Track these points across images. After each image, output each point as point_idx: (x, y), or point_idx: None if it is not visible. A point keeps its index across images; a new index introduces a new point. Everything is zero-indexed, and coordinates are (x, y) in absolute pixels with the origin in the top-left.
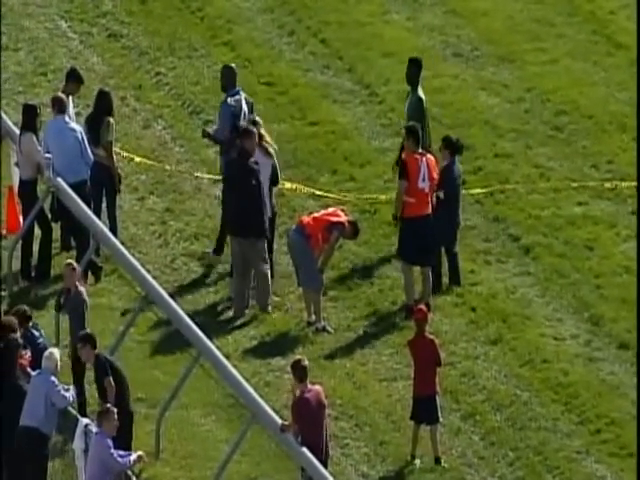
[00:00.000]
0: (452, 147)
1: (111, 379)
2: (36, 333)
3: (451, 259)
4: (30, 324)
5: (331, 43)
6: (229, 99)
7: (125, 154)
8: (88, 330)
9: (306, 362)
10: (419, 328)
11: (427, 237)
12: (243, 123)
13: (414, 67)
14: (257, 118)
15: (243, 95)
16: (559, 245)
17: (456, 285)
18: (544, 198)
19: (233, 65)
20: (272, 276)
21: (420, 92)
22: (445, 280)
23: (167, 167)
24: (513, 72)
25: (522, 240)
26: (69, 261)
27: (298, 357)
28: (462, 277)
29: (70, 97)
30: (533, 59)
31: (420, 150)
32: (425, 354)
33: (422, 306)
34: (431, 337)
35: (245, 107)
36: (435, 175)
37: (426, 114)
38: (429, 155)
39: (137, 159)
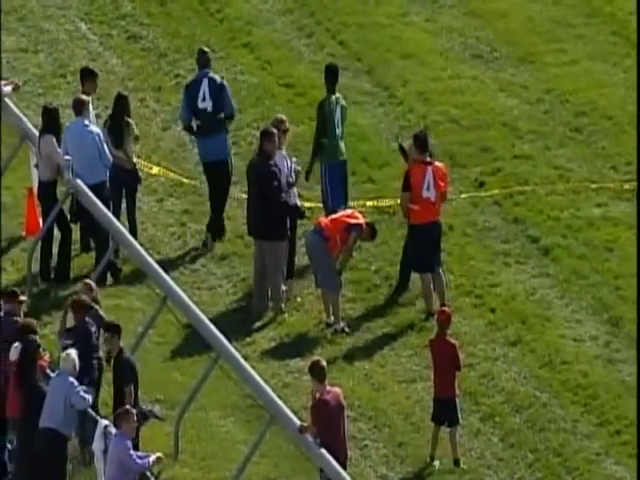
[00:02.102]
0: (423, 145)
1: (132, 387)
2: (93, 329)
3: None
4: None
5: (350, 45)
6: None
7: (144, 163)
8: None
9: (324, 363)
10: (440, 330)
11: (434, 244)
12: (203, 105)
13: (329, 74)
14: (282, 116)
15: (216, 76)
16: (578, 246)
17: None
18: (563, 199)
19: (207, 49)
20: (292, 276)
21: (330, 99)
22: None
23: (185, 180)
24: (532, 73)
25: (541, 241)
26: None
27: (316, 358)
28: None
29: (90, 97)
30: (552, 60)
31: (428, 159)
32: (444, 356)
33: (445, 308)
34: (452, 341)
35: (207, 90)
36: (443, 183)
37: (327, 120)
38: (437, 163)
39: (155, 170)
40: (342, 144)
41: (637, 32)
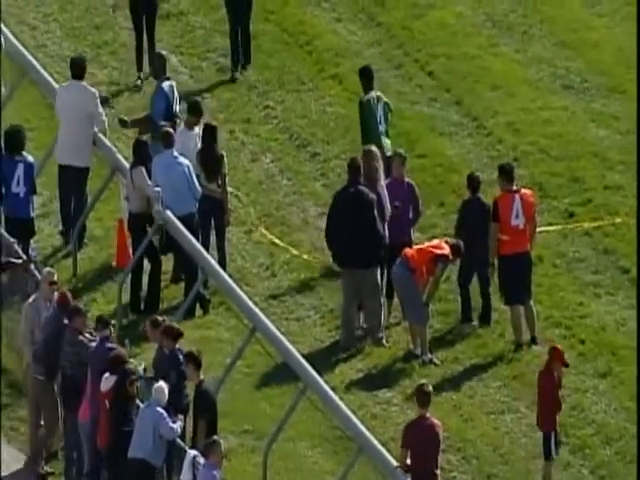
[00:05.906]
0: (472, 183)
1: (204, 421)
2: (181, 357)
3: (483, 297)
4: (177, 346)
5: (439, 76)
6: (163, 84)
7: (233, 191)
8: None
9: (428, 389)
10: (549, 364)
11: (524, 275)
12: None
13: (362, 76)
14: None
15: (174, 83)
16: None
17: (486, 325)
18: None
19: (164, 52)
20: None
21: (370, 95)
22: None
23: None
24: (623, 104)
25: (632, 272)
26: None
27: (422, 382)
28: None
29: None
30: None
31: (514, 187)
32: (547, 391)
33: (558, 345)
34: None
35: (176, 94)
36: (533, 210)
37: (367, 117)
38: (524, 191)
39: (260, 233)
40: (386, 140)
41: (637, 51)
